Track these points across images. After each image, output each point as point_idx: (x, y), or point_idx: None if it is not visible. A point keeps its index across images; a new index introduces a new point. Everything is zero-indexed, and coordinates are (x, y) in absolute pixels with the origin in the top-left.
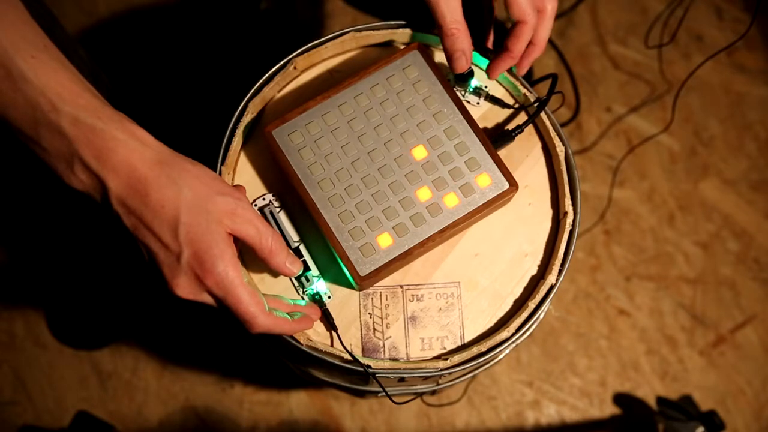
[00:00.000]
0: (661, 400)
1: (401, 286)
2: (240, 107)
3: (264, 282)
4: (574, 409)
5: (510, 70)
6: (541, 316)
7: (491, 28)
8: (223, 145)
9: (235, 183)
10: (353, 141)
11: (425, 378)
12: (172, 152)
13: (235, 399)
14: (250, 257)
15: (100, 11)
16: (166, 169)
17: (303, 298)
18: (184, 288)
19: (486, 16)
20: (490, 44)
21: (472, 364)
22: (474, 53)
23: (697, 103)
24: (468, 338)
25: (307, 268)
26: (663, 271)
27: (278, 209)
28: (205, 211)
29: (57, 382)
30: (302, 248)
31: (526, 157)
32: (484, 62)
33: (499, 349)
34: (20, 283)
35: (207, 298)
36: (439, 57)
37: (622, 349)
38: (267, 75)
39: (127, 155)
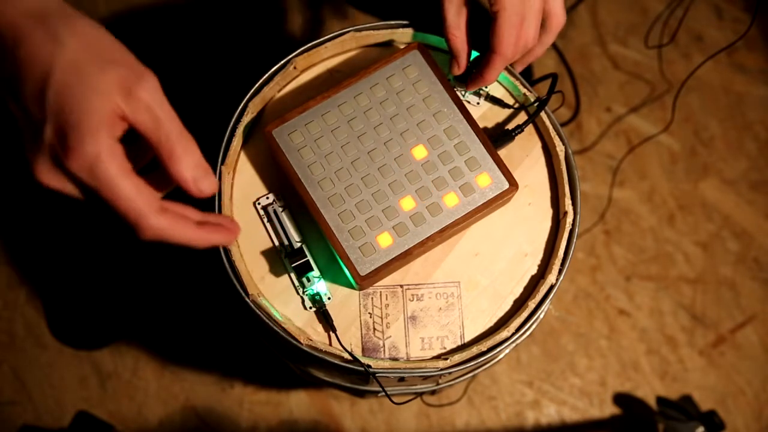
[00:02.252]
0: (661, 400)
1: (401, 286)
2: (240, 107)
3: (264, 281)
4: (574, 409)
5: (509, 70)
6: (541, 316)
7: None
8: (223, 145)
9: (234, 183)
10: (353, 141)
11: (425, 378)
12: (65, 5)
13: (235, 399)
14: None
15: (100, 11)
16: (50, 20)
17: (303, 298)
18: (44, 171)
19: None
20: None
21: (472, 363)
22: (474, 53)
23: (697, 103)
24: (468, 338)
25: (307, 269)
26: (663, 271)
27: (281, 208)
28: (86, 76)
29: (57, 382)
30: (303, 248)
31: (526, 156)
32: None
33: (499, 349)
34: (20, 283)
35: (71, 190)
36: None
37: (622, 349)
38: (267, 75)
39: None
